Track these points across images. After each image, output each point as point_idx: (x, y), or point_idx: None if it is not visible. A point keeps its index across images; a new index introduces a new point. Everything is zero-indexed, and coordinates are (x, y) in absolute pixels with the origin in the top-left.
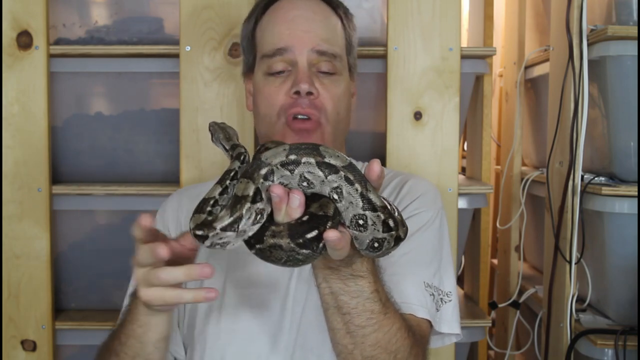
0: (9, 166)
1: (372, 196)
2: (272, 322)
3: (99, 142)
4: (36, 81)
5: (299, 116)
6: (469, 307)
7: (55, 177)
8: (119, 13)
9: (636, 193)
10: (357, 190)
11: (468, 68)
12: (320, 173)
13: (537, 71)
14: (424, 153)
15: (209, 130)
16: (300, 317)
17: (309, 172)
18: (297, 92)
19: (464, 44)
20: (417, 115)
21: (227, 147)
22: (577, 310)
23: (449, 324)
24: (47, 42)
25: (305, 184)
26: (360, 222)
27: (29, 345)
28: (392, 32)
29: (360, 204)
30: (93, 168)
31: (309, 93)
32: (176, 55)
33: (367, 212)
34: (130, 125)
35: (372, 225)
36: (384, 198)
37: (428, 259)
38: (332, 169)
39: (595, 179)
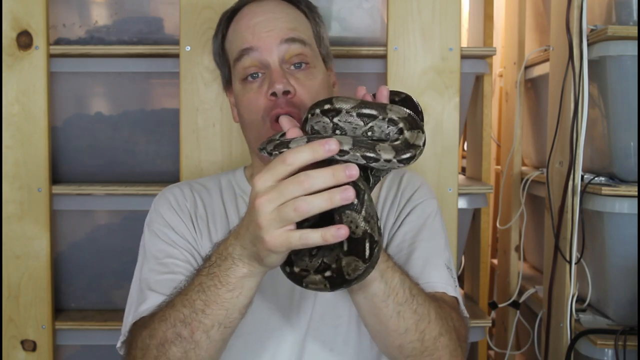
0: (9, 166)
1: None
2: (277, 317)
3: (99, 142)
4: (36, 81)
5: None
6: (469, 307)
7: (55, 177)
8: (119, 13)
9: (636, 193)
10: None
11: (468, 68)
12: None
13: (537, 71)
14: (424, 153)
15: (262, 152)
16: (311, 312)
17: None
18: (274, 94)
19: (464, 44)
20: None
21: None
22: (577, 310)
23: (462, 306)
24: (47, 42)
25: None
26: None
27: (29, 345)
28: (392, 32)
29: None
30: (93, 168)
31: (286, 92)
32: (176, 55)
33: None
34: (130, 125)
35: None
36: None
37: (443, 243)
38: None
39: (595, 179)
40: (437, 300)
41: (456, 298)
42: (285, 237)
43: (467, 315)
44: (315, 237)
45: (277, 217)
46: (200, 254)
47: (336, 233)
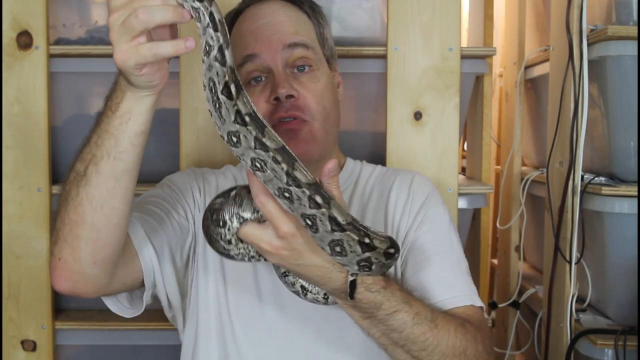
0: (9, 166)
1: (298, 174)
2: (291, 329)
3: None
4: (36, 81)
5: (286, 119)
6: None
7: (55, 177)
8: None
9: (636, 193)
10: (282, 168)
11: (468, 68)
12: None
13: (537, 71)
14: (424, 153)
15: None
16: (322, 322)
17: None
18: (277, 98)
19: (464, 44)
20: (417, 115)
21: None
22: (577, 310)
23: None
24: (47, 42)
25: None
26: (286, 194)
27: (29, 345)
28: (392, 32)
29: (285, 179)
30: None
31: (289, 96)
32: (176, 56)
33: (291, 187)
34: None
35: (298, 200)
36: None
37: (460, 250)
38: (264, 147)
39: (595, 179)
40: (462, 325)
41: (482, 307)
42: (134, 50)
43: (482, 304)
44: (165, 46)
45: (123, 29)
46: (188, 211)
47: (187, 43)
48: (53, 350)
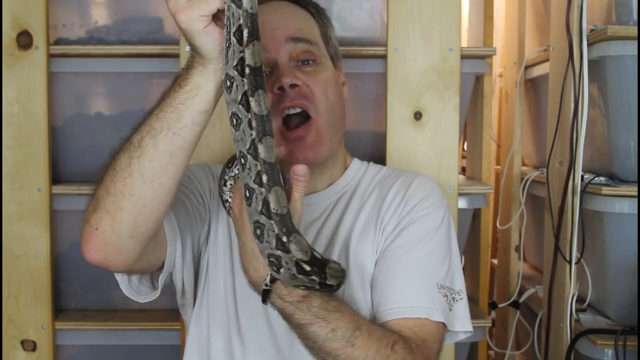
0: (9, 166)
1: (260, 147)
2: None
3: (99, 142)
4: (36, 81)
5: (291, 111)
6: (469, 307)
7: (55, 177)
8: (119, 13)
9: (636, 193)
10: (251, 134)
11: (468, 68)
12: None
13: (537, 71)
14: (424, 153)
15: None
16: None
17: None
18: (281, 88)
19: (464, 44)
20: (417, 115)
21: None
22: (577, 310)
23: (462, 322)
24: (47, 42)
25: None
26: (242, 160)
27: (29, 345)
28: (392, 32)
29: (248, 145)
30: (93, 168)
31: (293, 86)
32: (176, 55)
33: (248, 156)
34: (130, 125)
35: (248, 170)
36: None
37: (441, 260)
38: (247, 107)
39: (595, 179)
40: (390, 347)
41: (443, 324)
42: (198, 3)
43: (471, 329)
44: None
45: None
46: (206, 200)
47: None
48: (53, 350)
